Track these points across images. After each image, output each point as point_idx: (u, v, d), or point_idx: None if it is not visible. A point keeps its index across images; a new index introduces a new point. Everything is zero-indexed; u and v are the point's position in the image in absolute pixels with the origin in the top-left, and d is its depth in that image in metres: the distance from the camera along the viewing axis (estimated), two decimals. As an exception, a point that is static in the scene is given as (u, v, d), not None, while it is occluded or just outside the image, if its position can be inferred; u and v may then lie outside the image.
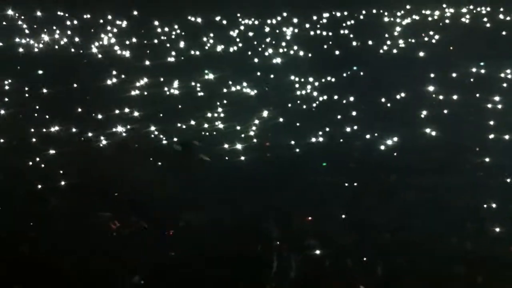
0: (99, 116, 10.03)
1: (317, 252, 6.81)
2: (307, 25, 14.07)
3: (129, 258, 6.60)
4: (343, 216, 7.49)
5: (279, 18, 14.42)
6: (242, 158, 8.92)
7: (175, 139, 9.14)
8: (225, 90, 11.15)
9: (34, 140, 9.21)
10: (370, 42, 13.19)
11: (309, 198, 7.87)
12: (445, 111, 10.27)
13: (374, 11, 15.05)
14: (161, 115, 10.17)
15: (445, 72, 11.62)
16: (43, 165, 8.59)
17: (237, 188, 8.05)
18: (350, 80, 11.72)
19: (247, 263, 6.60)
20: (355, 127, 9.72)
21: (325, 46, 13.15)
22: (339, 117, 10.14)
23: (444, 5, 15.50)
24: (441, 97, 10.80)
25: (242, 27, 13.28)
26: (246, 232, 7.16)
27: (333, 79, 11.61)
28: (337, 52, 12.72)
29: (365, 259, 6.68)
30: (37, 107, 10.19)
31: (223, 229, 7.20)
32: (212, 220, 7.36)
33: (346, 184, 8.16)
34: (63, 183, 8.13)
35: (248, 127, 9.63)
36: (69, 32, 12.27)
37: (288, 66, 12.03)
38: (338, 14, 14.82)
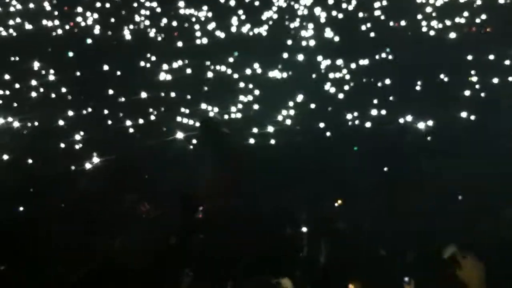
0: (130, 99, 10.03)
1: (348, 238, 6.70)
2: (341, 6, 13.77)
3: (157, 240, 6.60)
4: (375, 202, 7.35)
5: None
6: (272, 142, 8.83)
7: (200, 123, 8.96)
8: (255, 73, 11.01)
9: (64, 123, 9.27)
10: (403, 23, 12.83)
11: (340, 183, 7.75)
12: (482, 94, 9.96)
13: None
14: (190, 97, 10.12)
15: (481, 54, 11.24)
16: (74, 148, 8.66)
17: (267, 172, 7.97)
18: (383, 63, 11.43)
19: (275, 248, 6.52)
20: (388, 111, 9.51)
21: (358, 28, 12.85)
22: (372, 101, 9.92)
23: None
24: (476, 79, 10.45)
25: (274, 8, 13.05)
26: (275, 216, 7.09)
27: (365, 62, 11.34)
28: (371, 34, 12.42)
29: (397, 246, 6.54)
30: (67, 90, 10.24)
31: (251, 214, 7.14)
32: (241, 204, 7.30)
33: (378, 170, 8.01)
34: (93, 165, 8.17)
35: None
36: (98, 15, 12.26)
37: (320, 49, 11.79)
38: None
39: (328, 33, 12.38)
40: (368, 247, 6.61)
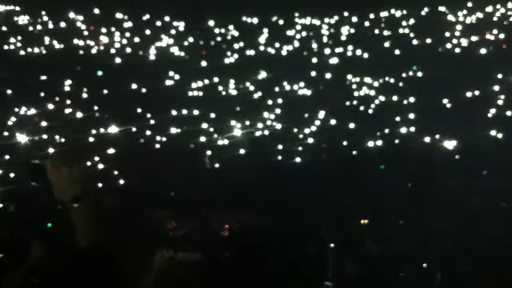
0: (156, 117, 10.15)
1: (374, 256, 6.64)
2: (365, 24, 13.79)
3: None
4: (401, 220, 7.27)
5: (336, 17, 14.20)
6: (298, 159, 8.82)
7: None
8: (280, 90, 11.06)
9: (93, 140, 9.39)
10: (429, 41, 12.78)
11: (366, 201, 7.68)
12: (509, 113, 9.83)
13: (435, 9, 14.57)
14: (216, 115, 10.19)
15: (508, 72, 11.11)
16: (101, 165, 8.75)
17: (292, 190, 7.95)
18: (409, 81, 11.38)
19: (302, 265, 6.48)
20: (414, 129, 9.43)
21: (384, 45, 12.84)
22: (397, 118, 9.86)
23: (510, 4, 14.83)
24: (503, 97, 10.33)
25: (298, 27, 13.15)
26: (301, 233, 7.05)
27: (391, 80, 11.31)
28: (396, 52, 12.40)
29: (424, 265, 6.45)
30: (96, 107, 10.39)
31: (277, 230, 7.11)
32: (267, 221, 7.29)
33: (405, 188, 7.93)
34: (121, 182, 8.25)
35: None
36: (127, 34, 12.49)
37: (345, 66, 11.82)
38: (398, 12, 14.44)
39: (353, 51, 12.41)
40: (394, 265, 6.53)
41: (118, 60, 11.66)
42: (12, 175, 7.70)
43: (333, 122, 9.90)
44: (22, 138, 8.52)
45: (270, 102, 10.43)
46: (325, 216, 7.36)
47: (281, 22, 13.10)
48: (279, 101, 10.55)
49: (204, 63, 11.94)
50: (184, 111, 10.27)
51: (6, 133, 8.88)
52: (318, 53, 12.44)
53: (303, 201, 7.69)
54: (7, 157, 8.02)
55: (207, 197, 7.83)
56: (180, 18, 12.70)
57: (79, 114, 9.98)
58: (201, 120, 10.04)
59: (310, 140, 9.40)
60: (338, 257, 6.60)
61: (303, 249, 6.75)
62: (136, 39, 12.31)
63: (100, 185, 7.98)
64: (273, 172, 8.58)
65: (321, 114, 10.01)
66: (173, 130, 9.68)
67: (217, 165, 8.77)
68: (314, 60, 12.08)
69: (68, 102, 10.26)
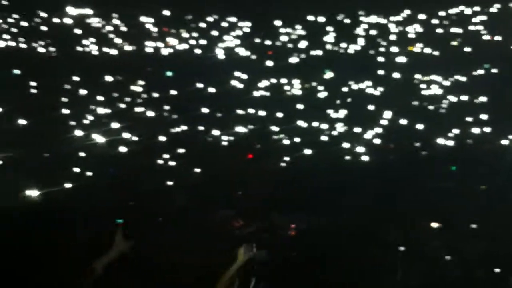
0: (223, 116, 10.29)
1: (443, 261, 6.49)
2: (433, 22, 13.44)
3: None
4: (473, 225, 7.07)
5: (404, 15, 13.91)
6: (364, 159, 8.73)
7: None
8: (346, 90, 10.97)
9: (160, 139, 9.63)
10: (500, 38, 12.30)
11: (436, 204, 7.51)
12: None
13: (507, 5, 14.01)
14: (282, 115, 10.23)
15: None
16: (171, 163, 8.97)
17: (358, 191, 7.88)
18: (481, 79, 11.00)
19: (367, 268, 6.43)
20: (487, 130, 9.13)
21: (454, 43, 12.47)
22: (468, 119, 9.56)
23: None
24: None
25: (365, 26, 12.98)
26: (367, 236, 6.99)
27: (462, 78, 10.97)
28: (467, 49, 12.01)
29: (496, 270, 6.25)
30: (165, 107, 10.64)
31: (343, 233, 7.09)
32: (332, 223, 7.27)
33: (478, 191, 7.69)
34: (189, 181, 8.43)
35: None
36: (195, 34, 12.70)
37: (413, 65, 11.56)
38: (469, 10, 13.99)
39: (421, 49, 12.12)
40: (464, 270, 6.37)
41: (186, 60, 11.89)
42: (89, 173, 8.02)
43: (400, 122, 9.71)
44: (97, 137, 8.85)
45: (337, 102, 10.36)
46: (393, 218, 7.26)
47: (347, 21, 12.96)
48: (346, 100, 10.46)
49: (270, 63, 11.99)
50: (251, 111, 10.37)
51: (81, 132, 9.24)
52: (385, 52, 12.22)
53: (370, 203, 7.62)
54: (82, 154, 8.36)
55: (274, 197, 7.89)
56: (246, 18, 12.80)
57: (150, 113, 10.26)
58: (267, 119, 10.10)
59: (377, 141, 9.28)
60: (407, 260, 6.51)
61: (368, 252, 6.70)
62: (203, 41, 12.51)
63: (171, 183, 8.21)
64: (339, 172, 8.53)
65: (388, 114, 9.85)
66: (240, 130, 9.80)
67: (283, 165, 8.81)
68: (381, 59, 11.88)
69: (139, 101, 10.56)
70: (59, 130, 9.41)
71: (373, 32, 13.00)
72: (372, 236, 7.03)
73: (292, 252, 6.86)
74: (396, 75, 11.33)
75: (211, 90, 11.11)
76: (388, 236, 6.97)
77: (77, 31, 11.90)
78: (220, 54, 12.22)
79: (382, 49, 12.44)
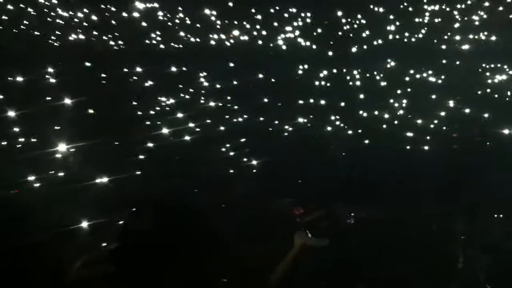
0: (284, 106, 10.41)
1: (508, 253, 6.39)
2: (500, 8, 12.99)
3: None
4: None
5: (468, 2, 13.52)
6: (426, 148, 8.64)
7: None
8: (408, 79, 10.84)
9: (222, 128, 9.84)
10: None
11: (500, 196, 7.36)
12: None
13: None
14: (344, 104, 10.24)
15: None
16: (231, 153, 9.17)
17: (419, 181, 7.82)
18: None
19: (430, 258, 6.42)
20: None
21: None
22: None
23: None
24: None
25: (428, 14, 12.71)
26: (429, 226, 6.96)
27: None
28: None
29: None
30: (227, 98, 10.86)
31: (403, 222, 7.07)
32: (392, 213, 7.25)
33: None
34: (249, 170, 8.59)
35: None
36: (257, 26, 12.84)
37: (478, 53, 11.26)
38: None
39: (485, 36, 11.77)
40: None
41: (248, 51, 12.06)
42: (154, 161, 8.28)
43: (464, 111, 9.52)
44: (160, 128, 9.15)
45: (398, 91, 10.26)
46: (457, 209, 7.18)
47: (410, 9, 12.74)
48: (408, 90, 10.35)
49: (330, 53, 12.00)
50: (311, 100, 10.44)
51: (147, 122, 9.59)
52: (449, 40, 11.96)
53: (431, 194, 7.56)
54: (150, 145, 8.65)
55: (334, 186, 7.95)
56: (307, 9, 12.82)
57: (212, 104, 10.51)
58: (328, 109, 10.15)
59: (440, 130, 9.15)
60: (469, 253, 6.44)
61: (429, 243, 6.67)
62: (264, 32, 12.64)
63: (231, 171, 8.40)
64: (400, 162, 8.48)
65: (452, 103, 9.67)
66: (301, 120, 9.90)
67: (343, 154, 8.84)
68: (444, 47, 11.64)
69: (203, 92, 10.84)
70: (127, 120, 9.79)
71: (436, 20, 12.72)
72: (435, 226, 6.98)
73: (351, 240, 6.93)
74: (459, 63, 11.08)
75: (272, 80, 11.24)
76: (452, 227, 6.91)
77: (144, 24, 12.28)
78: (281, 44, 12.32)
79: (445, 37, 12.17)
